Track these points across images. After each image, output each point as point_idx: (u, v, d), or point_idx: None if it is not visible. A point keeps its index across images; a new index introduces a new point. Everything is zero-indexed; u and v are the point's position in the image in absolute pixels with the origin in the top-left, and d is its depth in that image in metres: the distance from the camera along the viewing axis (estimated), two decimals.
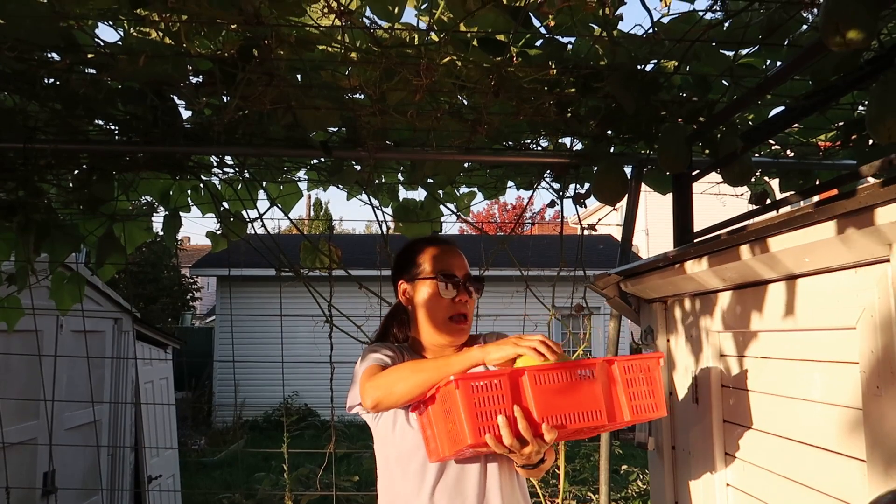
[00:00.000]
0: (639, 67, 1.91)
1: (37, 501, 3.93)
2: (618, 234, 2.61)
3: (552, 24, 1.72)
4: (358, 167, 2.62)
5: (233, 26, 1.73)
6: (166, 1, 1.49)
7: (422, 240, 1.80)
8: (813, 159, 2.52)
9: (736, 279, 1.65)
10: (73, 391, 4.43)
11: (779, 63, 1.91)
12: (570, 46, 1.87)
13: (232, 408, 12.35)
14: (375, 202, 2.83)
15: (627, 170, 2.42)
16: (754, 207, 2.26)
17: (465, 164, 2.73)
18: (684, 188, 2.25)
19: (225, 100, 2.03)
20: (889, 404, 1.18)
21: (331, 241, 2.85)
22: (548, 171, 2.69)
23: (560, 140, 2.54)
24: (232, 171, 2.77)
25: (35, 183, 2.55)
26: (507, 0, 1.63)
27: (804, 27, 1.71)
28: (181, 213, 2.90)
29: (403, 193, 2.99)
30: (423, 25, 1.80)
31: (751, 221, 1.56)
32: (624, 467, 5.51)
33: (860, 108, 2.20)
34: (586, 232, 2.71)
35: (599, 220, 2.77)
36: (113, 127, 2.40)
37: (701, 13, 1.72)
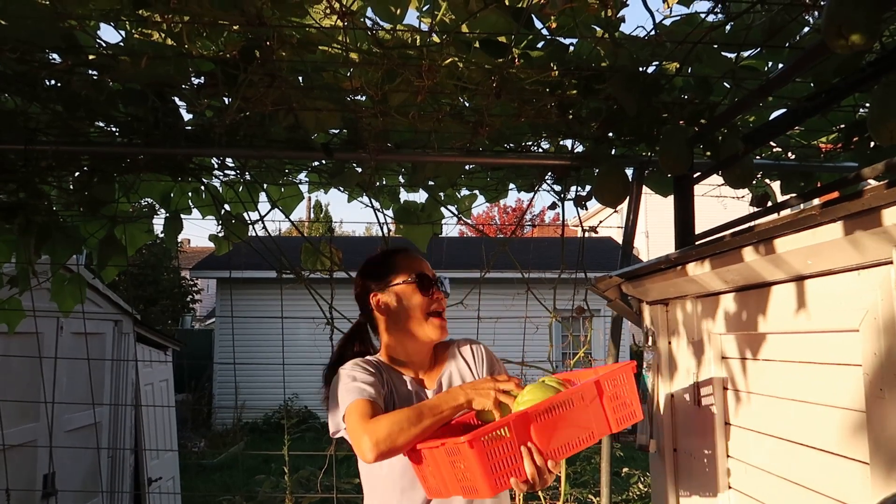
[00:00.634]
0: (640, 69, 1.91)
1: (37, 503, 3.92)
2: (618, 236, 2.61)
3: (554, 25, 1.72)
4: (359, 169, 2.62)
5: (235, 27, 1.73)
6: (168, 2, 1.49)
7: (386, 251, 1.83)
8: (814, 161, 2.52)
9: (738, 281, 1.65)
10: (74, 393, 4.43)
11: (780, 65, 1.91)
12: (571, 48, 1.87)
13: (232, 410, 12.34)
14: (377, 204, 2.83)
15: (629, 172, 2.42)
16: (755, 210, 2.26)
17: (467, 167, 2.73)
18: (686, 190, 2.24)
19: (226, 101, 2.03)
20: (892, 406, 1.18)
21: (332, 244, 2.85)
22: (549, 174, 2.69)
23: (561, 142, 2.54)
24: (233, 173, 2.77)
25: (36, 185, 2.55)
26: (510, 1, 1.63)
27: (806, 29, 1.71)
28: (182, 216, 2.90)
29: (404, 195, 3.00)
30: (424, 27, 1.80)
31: (752, 224, 1.56)
32: (625, 470, 5.50)
33: (861, 110, 2.20)
34: (587, 234, 2.71)
35: (601, 221, 2.77)
36: (114, 129, 2.40)
37: (703, 15, 1.72)
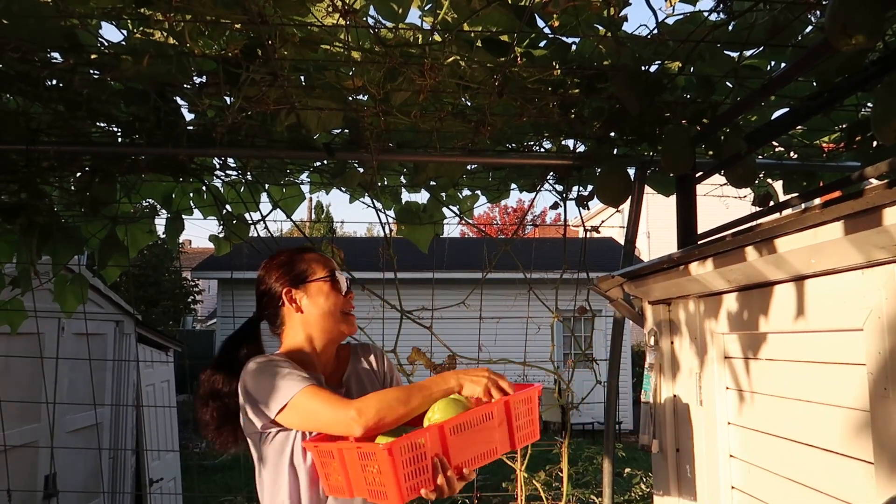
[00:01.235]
0: (643, 68, 1.91)
1: None
2: (619, 237, 2.61)
3: (556, 24, 1.71)
4: (361, 169, 2.62)
5: (236, 26, 1.73)
6: (170, 0, 1.49)
7: (296, 249, 1.81)
8: (816, 161, 2.52)
9: (741, 281, 1.65)
10: (75, 394, 4.43)
11: (783, 64, 1.91)
12: (574, 47, 1.86)
13: None
14: (378, 205, 2.82)
15: (631, 171, 2.41)
16: (757, 209, 2.25)
17: (468, 166, 2.73)
18: (688, 190, 2.24)
19: (228, 101, 2.02)
20: None
21: (333, 244, 2.84)
22: (551, 173, 2.69)
23: (563, 142, 2.54)
24: (234, 173, 2.76)
25: (38, 185, 2.55)
26: (512, 0, 1.62)
27: (809, 28, 1.71)
28: (183, 216, 2.90)
29: (406, 196, 2.99)
30: (426, 25, 1.80)
31: (754, 223, 1.55)
32: (627, 470, 5.49)
33: (864, 109, 2.19)
34: (589, 234, 2.71)
35: (603, 221, 2.76)
36: (115, 129, 2.40)
37: (706, 14, 1.72)
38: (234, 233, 2.77)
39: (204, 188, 2.85)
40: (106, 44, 1.81)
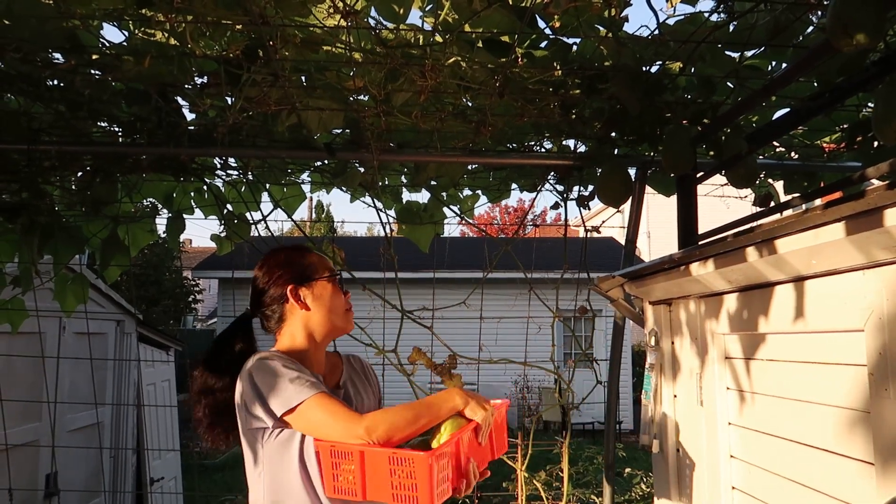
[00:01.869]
0: (644, 69, 1.91)
1: (39, 503, 3.93)
2: (620, 236, 2.61)
3: (557, 24, 1.72)
4: (362, 169, 2.62)
5: (238, 27, 1.73)
6: (172, 1, 1.49)
7: (294, 248, 1.84)
8: (817, 161, 2.52)
9: (742, 281, 1.65)
10: (76, 393, 4.43)
11: (784, 65, 1.91)
12: (574, 47, 1.86)
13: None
14: (379, 204, 2.82)
15: (631, 172, 2.41)
16: (759, 210, 2.25)
17: (469, 167, 2.73)
18: (688, 190, 2.24)
19: (229, 101, 2.03)
20: None
21: (334, 244, 2.84)
22: (552, 173, 2.69)
23: (564, 142, 2.54)
24: (235, 172, 2.77)
25: (39, 185, 2.55)
26: (513, 1, 1.62)
27: (810, 28, 1.71)
28: (185, 216, 2.90)
29: (407, 196, 2.99)
30: (427, 26, 1.80)
31: (755, 224, 1.55)
32: (627, 470, 5.49)
33: (865, 109, 2.19)
34: (589, 234, 2.71)
35: (603, 221, 2.76)
36: (117, 129, 2.41)
37: (706, 14, 1.72)
38: (235, 232, 2.78)
39: (205, 188, 2.85)
40: (107, 44, 1.82)
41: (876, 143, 2.21)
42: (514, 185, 2.95)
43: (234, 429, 1.69)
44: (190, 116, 2.28)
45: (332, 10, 1.58)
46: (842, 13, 1.22)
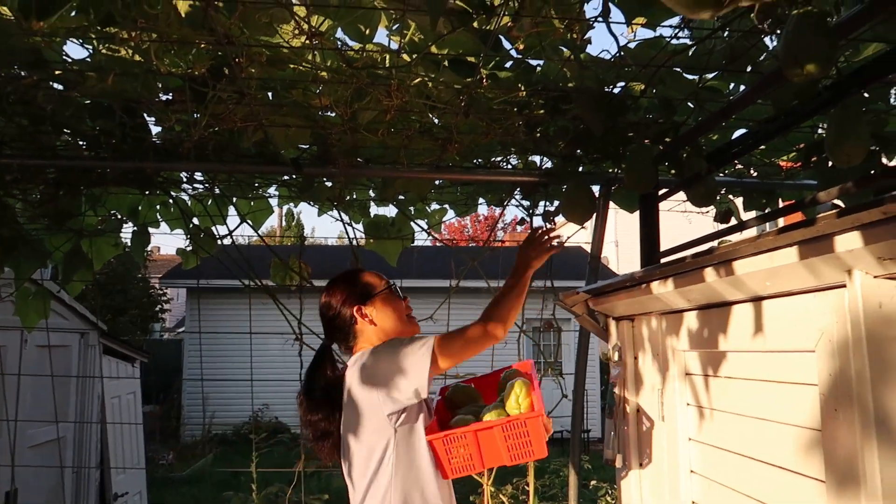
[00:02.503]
0: (606, 89, 1.94)
1: None
2: (588, 247, 2.65)
3: (522, 47, 1.74)
4: (329, 184, 2.62)
5: (203, 45, 1.72)
6: (136, 20, 1.48)
7: (351, 272, 2.00)
8: (775, 179, 2.58)
9: (700, 300, 1.68)
10: (38, 407, 4.33)
11: (742, 87, 1.96)
12: (538, 69, 1.89)
13: (201, 421, 12.15)
14: (346, 218, 2.83)
15: (595, 189, 2.45)
16: (720, 226, 2.31)
17: (436, 182, 2.75)
18: (651, 208, 2.28)
19: (195, 116, 2.02)
20: (846, 426, 1.21)
21: (301, 258, 2.84)
22: (518, 189, 2.72)
23: (530, 158, 2.57)
24: (202, 186, 2.75)
25: (1, 198, 2.51)
26: (478, 23, 1.64)
27: (765, 54, 1.76)
28: (150, 229, 2.87)
29: (375, 209, 3.00)
30: (394, 45, 1.82)
31: (716, 243, 1.60)
32: (593, 482, 5.53)
33: (820, 130, 2.26)
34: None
35: (568, 237, 2.79)
36: (81, 142, 2.37)
37: (667, 39, 1.76)
38: (201, 247, 2.75)
39: (171, 201, 2.83)
40: (70, 60, 1.80)
41: (830, 163, 2.27)
42: (481, 200, 2.98)
43: (339, 444, 1.86)
44: (156, 129, 2.26)
45: (297, 32, 1.58)
46: (793, 44, 1.26)
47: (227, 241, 2.73)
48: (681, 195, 2.37)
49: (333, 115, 2.08)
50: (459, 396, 2.08)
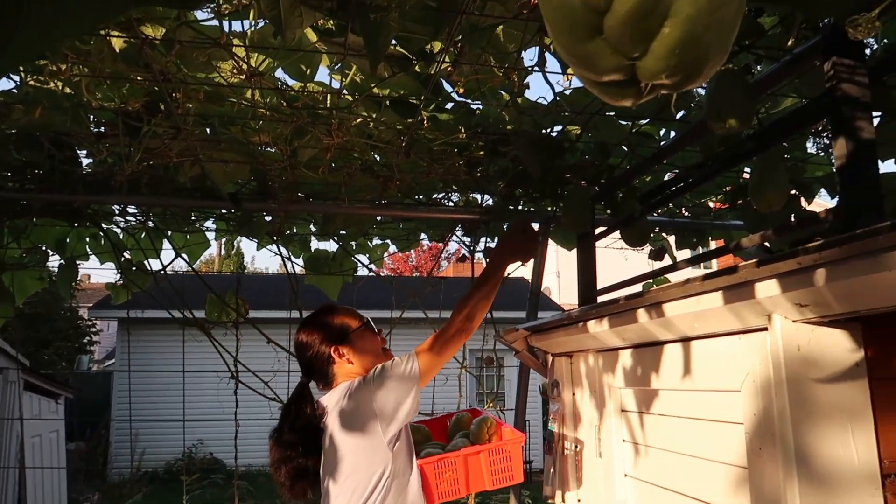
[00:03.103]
0: (544, 132, 1.99)
1: None
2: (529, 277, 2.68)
3: (462, 91, 1.77)
4: (269, 218, 2.59)
5: (138, 78, 1.69)
6: (66, 55, 1.45)
7: (327, 309, 2.00)
8: (705, 219, 2.69)
9: (635, 339, 1.73)
10: None
11: (672, 132, 2.04)
12: (478, 111, 1.93)
13: (129, 459, 11.63)
14: (286, 252, 2.79)
15: (535, 226, 2.50)
16: (653, 264, 2.38)
17: (378, 218, 2.75)
18: (588, 248, 2.34)
19: (130, 150, 1.97)
20: (770, 463, 1.26)
21: (239, 292, 2.78)
22: (459, 226, 2.74)
23: (471, 195, 2.60)
24: (135, 219, 2.67)
25: None
26: (420, 68, 1.67)
27: (693, 104, 1.84)
28: (78, 262, 2.77)
29: (315, 244, 2.98)
30: (336, 83, 1.82)
31: (650, 283, 1.64)
32: None
33: (745, 174, 2.37)
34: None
35: (509, 274, 2.83)
36: (6, 173, 2.28)
37: None
38: (132, 282, 2.67)
39: (101, 233, 2.74)
40: None
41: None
42: (422, 235, 2.99)
43: (316, 482, 1.85)
44: (87, 160, 2.19)
45: (235, 71, 1.57)
46: (716, 100, 1.33)
47: (161, 276, 2.65)
48: (618, 233, 2.44)
49: (273, 150, 2.07)
50: (415, 435, 2.13)
